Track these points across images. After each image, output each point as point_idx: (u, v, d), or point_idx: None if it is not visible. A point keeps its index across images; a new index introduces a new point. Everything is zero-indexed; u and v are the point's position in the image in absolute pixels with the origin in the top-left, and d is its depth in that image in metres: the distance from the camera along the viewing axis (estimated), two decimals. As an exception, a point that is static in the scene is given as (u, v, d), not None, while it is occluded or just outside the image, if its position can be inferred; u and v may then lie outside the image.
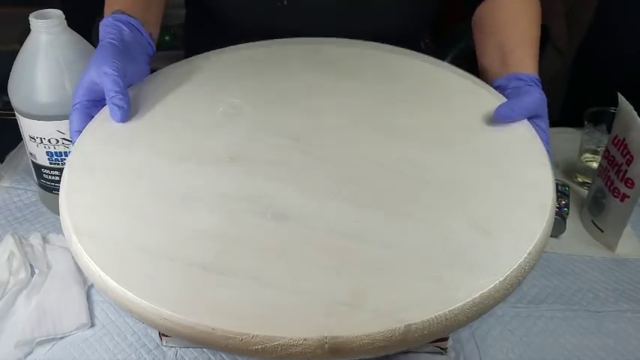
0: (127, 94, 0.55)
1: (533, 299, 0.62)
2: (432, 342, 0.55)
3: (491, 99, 0.59)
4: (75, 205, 0.47)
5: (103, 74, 0.54)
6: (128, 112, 0.55)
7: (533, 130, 0.55)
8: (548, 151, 0.53)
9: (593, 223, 0.70)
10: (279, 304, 0.39)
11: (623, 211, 0.66)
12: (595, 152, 0.79)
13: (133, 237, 0.44)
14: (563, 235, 0.70)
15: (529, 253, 0.43)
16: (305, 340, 0.37)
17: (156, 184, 0.49)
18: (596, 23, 1.13)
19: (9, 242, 0.62)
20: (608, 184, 0.67)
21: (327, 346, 0.37)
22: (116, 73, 0.54)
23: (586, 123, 0.76)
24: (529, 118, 0.56)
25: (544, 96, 0.58)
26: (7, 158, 0.79)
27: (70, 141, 0.62)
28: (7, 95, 0.64)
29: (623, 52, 1.04)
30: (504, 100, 0.58)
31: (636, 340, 0.58)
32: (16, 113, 0.64)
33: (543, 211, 0.46)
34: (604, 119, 0.76)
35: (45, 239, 0.64)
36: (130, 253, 0.43)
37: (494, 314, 0.60)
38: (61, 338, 0.56)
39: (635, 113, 0.64)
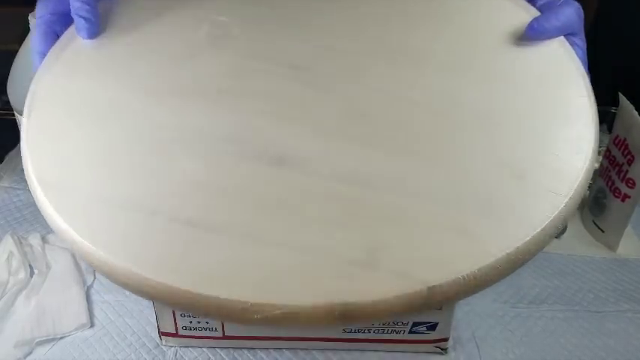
0: (95, 6, 0.47)
1: (533, 299, 0.62)
2: (431, 342, 0.55)
3: (520, 14, 0.49)
4: (39, 151, 0.40)
5: None
6: (97, 27, 0.47)
7: (571, 49, 0.47)
8: (587, 73, 0.47)
9: (594, 224, 0.70)
10: (281, 266, 0.34)
11: (624, 212, 0.66)
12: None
13: (105, 189, 0.38)
14: (564, 235, 0.70)
15: (570, 198, 0.37)
16: (312, 307, 0.32)
17: (130, 125, 0.42)
18: (596, 22, 1.13)
19: (8, 242, 0.62)
20: (609, 184, 0.67)
21: (337, 312, 0.32)
22: None
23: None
24: (565, 36, 0.48)
25: (581, 10, 0.50)
26: (7, 158, 0.79)
27: None
28: (7, 95, 0.64)
29: (623, 52, 1.04)
30: (536, 14, 0.49)
31: (637, 341, 0.58)
32: (16, 113, 0.64)
33: (583, 149, 0.40)
34: (605, 119, 0.76)
35: (44, 239, 0.64)
36: (104, 207, 0.37)
37: (494, 314, 0.60)
38: (61, 338, 0.56)
39: (636, 113, 0.64)
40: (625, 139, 0.65)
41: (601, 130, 0.76)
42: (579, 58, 0.47)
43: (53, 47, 0.47)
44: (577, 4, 0.49)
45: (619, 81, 0.75)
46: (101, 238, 0.36)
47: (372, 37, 0.48)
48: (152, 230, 0.36)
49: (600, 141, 0.77)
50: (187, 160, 0.40)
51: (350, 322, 0.34)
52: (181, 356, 0.55)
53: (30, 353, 0.54)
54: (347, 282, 0.33)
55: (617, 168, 0.66)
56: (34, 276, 0.61)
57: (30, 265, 0.61)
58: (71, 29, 0.48)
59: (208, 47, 0.47)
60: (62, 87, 0.44)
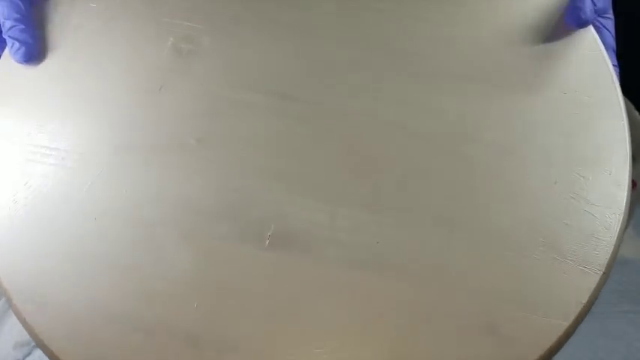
0: (32, 25, 0.39)
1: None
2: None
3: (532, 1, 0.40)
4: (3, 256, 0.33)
5: None
6: (35, 50, 0.38)
7: (599, 44, 0.40)
8: (615, 66, 0.42)
9: (595, 224, 0.70)
10: None
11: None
12: None
13: (75, 299, 0.31)
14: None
15: (604, 273, 0.33)
16: None
17: (90, 201, 0.33)
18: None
19: (7, 243, 0.62)
20: (610, 184, 0.67)
21: None
22: None
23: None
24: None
25: None
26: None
27: None
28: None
29: (624, 51, 1.03)
30: None
31: (638, 342, 0.58)
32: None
33: (617, 203, 0.34)
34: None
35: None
36: (88, 322, 0.31)
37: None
38: (60, 339, 0.56)
39: (637, 113, 0.64)
40: (625, 140, 0.65)
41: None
42: (608, 44, 0.42)
43: None
44: None
45: (619, 80, 0.75)
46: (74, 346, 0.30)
47: (373, 43, 0.38)
48: (145, 348, 0.30)
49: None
50: (176, 250, 0.32)
51: None
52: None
53: (29, 354, 0.54)
54: None
55: (617, 168, 0.66)
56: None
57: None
58: (5, 53, 0.39)
59: (177, 72, 0.37)
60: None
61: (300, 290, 0.31)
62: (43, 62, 0.38)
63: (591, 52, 0.39)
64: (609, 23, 0.44)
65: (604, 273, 0.33)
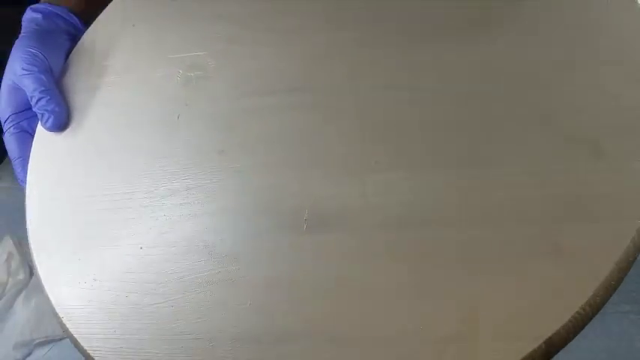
0: (56, 92, 0.42)
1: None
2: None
3: None
4: (59, 292, 0.36)
5: (21, 75, 0.42)
6: (63, 117, 0.41)
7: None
8: None
9: (595, 224, 0.70)
10: None
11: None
12: None
13: (134, 328, 0.34)
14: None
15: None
16: None
17: (135, 235, 0.36)
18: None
19: (8, 243, 0.62)
20: (610, 184, 0.67)
21: None
22: (36, 68, 0.42)
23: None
24: None
25: None
26: (7, 159, 0.79)
27: None
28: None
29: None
30: None
31: (639, 342, 0.58)
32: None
33: None
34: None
35: (44, 240, 0.64)
36: (140, 343, 0.33)
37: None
38: (60, 340, 0.56)
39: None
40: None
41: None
42: None
43: (32, 151, 0.42)
44: None
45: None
46: None
47: (392, 51, 0.38)
48: (207, 354, 0.31)
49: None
50: (224, 254, 0.34)
51: None
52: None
53: (29, 354, 0.54)
54: None
55: (618, 169, 0.66)
56: (33, 277, 0.60)
57: (29, 266, 0.61)
58: (40, 127, 0.42)
59: (190, 98, 0.40)
60: (50, 199, 0.39)
61: (344, 264, 0.31)
62: (75, 124, 0.41)
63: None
64: None
65: None
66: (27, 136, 0.43)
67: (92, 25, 0.46)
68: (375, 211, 0.32)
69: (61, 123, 0.41)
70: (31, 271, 0.61)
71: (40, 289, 0.57)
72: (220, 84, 0.40)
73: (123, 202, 0.37)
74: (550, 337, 0.27)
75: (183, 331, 0.32)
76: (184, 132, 0.38)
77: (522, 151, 0.32)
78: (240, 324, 0.31)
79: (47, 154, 0.41)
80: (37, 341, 0.55)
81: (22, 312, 0.57)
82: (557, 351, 0.28)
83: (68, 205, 0.39)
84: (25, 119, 0.43)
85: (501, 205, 0.30)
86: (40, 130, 0.42)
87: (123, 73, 0.42)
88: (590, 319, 0.29)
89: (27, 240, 0.57)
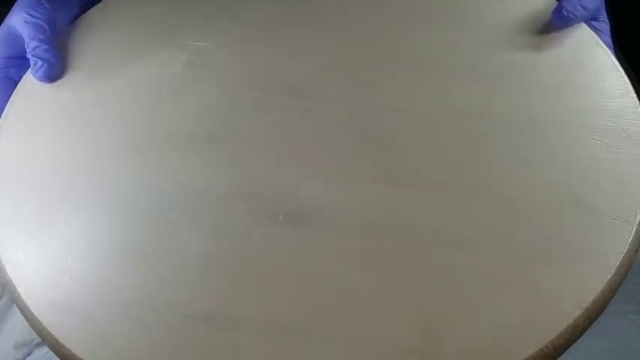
0: (54, 45, 0.42)
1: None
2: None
3: (534, 3, 0.43)
4: (7, 245, 0.33)
5: (23, 19, 0.42)
6: (57, 68, 0.42)
7: (597, 39, 0.42)
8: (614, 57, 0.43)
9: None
10: None
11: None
12: None
13: (87, 281, 0.31)
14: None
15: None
16: None
17: (105, 191, 0.34)
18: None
19: (7, 243, 0.62)
20: (610, 184, 0.67)
21: None
22: (40, 16, 0.42)
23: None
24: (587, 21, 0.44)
25: None
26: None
27: None
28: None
29: (622, 50, 1.03)
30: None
31: (638, 342, 0.58)
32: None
33: None
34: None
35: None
36: (87, 308, 0.30)
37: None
38: (60, 339, 0.56)
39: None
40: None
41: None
42: (605, 43, 0.43)
43: (12, 97, 0.41)
44: None
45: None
46: (92, 346, 0.29)
47: (373, 46, 0.41)
48: (161, 331, 0.29)
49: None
50: (189, 234, 0.32)
51: None
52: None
53: (29, 354, 0.54)
54: None
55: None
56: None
57: (29, 266, 0.61)
58: (28, 74, 0.42)
59: (189, 80, 0.40)
60: (19, 150, 0.37)
61: (317, 260, 0.31)
62: (64, 80, 0.41)
63: (587, 42, 0.41)
64: (604, 26, 0.45)
65: None
66: (10, 83, 0.42)
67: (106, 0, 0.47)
68: (354, 216, 0.32)
69: (53, 74, 0.41)
70: (31, 270, 0.61)
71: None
72: (222, 74, 0.40)
73: (93, 166, 0.36)
74: None
75: (135, 300, 0.30)
76: (175, 110, 0.38)
77: (509, 190, 0.33)
78: (194, 302, 0.30)
79: (27, 103, 0.41)
80: (37, 341, 0.54)
81: (22, 312, 0.57)
82: None
83: (37, 159, 0.37)
84: (14, 66, 0.43)
85: (482, 231, 0.31)
86: (26, 79, 0.42)
87: (125, 46, 0.43)
88: (554, 357, 0.28)
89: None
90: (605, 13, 0.46)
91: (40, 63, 0.41)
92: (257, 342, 0.28)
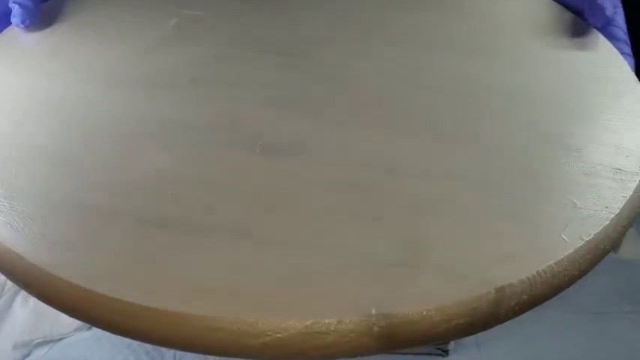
0: None
1: (534, 301, 0.62)
2: (432, 344, 0.55)
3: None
4: None
5: None
6: (33, 15, 0.42)
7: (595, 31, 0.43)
8: (628, 55, 0.43)
9: (595, 224, 0.70)
10: (292, 272, 0.25)
11: (625, 212, 0.66)
12: None
13: (56, 190, 0.30)
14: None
15: None
16: (340, 322, 0.23)
17: (85, 119, 0.35)
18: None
19: (7, 243, 0.62)
20: (610, 184, 0.67)
21: (376, 329, 0.23)
22: None
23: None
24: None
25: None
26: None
27: None
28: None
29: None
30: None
31: (638, 342, 0.58)
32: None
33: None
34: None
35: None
36: (53, 212, 0.29)
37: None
38: (59, 340, 0.55)
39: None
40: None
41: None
42: (620, 38, 0.44)
43: None
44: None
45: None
46: (52, 253, 0.27)
47: (371, 24, 0.42)
48: (116, 236, 0.27)
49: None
50: (157, 153, 0.32)
51: (394, 344, 0.23)
52: (180, 358, 0.55)
53: (28, 355, 0.54)
54: (386, 288, 0.24)
55: (618, 169, 0.66)
56: (32, 277, 0.60)
57: (28, 266, 0.61)
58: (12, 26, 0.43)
59: (177, 39, 0.41)
60: (7, 82, 0.38)
61: (294, 184, 0.30)
62: (50, 30, 0.42)
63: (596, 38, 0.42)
64: (618, 18, 0.45)
65: None
66: None
67: None
68: (338, 152, 0.32)
69: (28, 19, 0.42)
70: (30, 271, 0.61)
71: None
72: (210, 36, 0.41)
73: (73, 99, 0.36)
74: (502, 287, 0.25)
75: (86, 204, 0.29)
76: (160, 59, 0.39)
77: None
78: (154, 209, 0.29)
79: (9, 48, 0.41)
80: (36, 341, 0.54)
81: (21, 312, 0.57)
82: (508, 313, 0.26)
83: (18, 90, 0.37)
84: None
85: (474, 170, 0.31)
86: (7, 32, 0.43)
87: (116, 6, 0.45)
88: (553, 287, 0.27)
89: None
90: (620, 3, 0.46)
91: (16, 7, 0.41)
92: (223, 249, 0.26)
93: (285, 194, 0.29)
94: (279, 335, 0.23)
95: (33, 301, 0.58)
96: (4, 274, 0.29)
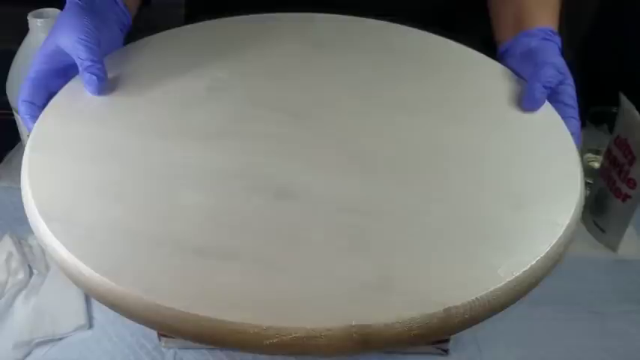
0: (103, 64, 0.49)
1: (534, 300, 0.61)
2: (432, 343, 0.55)
3: (499, 71, 0.55)
4: (41, 187, 0.41)
5: (76, 41, 0.49)
6: (105, 84, 0.49)
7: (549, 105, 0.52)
8: (575, 119, 0.51)
9: (595, 224, 0.70)
10: (294, 290, 0.34)
11: (625, 212, 0.66)
12: (597, 152, 0.78)
13: (111, 221, 0.38)
14: (565, 235, 0.69)
15: (568, 226, 0.39)
16: (329, 330, 0.32)
17: (133, 163, 0.43)
18: (597, 23, 1.13)
19: (7, 243, 0.62)
20: (610, 184, 0.67)
21: (355, 335, 0.32)
22: (90, 40, 0.49)
23: (588, 123, 0.76)
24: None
25: (560, 56, 0.54)
26: (6, 158, 0.79)
27: None
28: (5, 95, 0.64)
29: (624, 52, 1.03)
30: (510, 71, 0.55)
31: (638, 342, 0.58)
32: (15, 112, 0.64)
33: (573, 180, 0.43)
34: (606, 119, 0.76)
35: (44, 240, 0.64)
36: (109, 238, 0.37)
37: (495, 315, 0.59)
38: (60, 339, 0.55)
39: (637, 113, 0.63)
40: (626, 140, 0.64)
41: (602, 130, 0.75)
42: (569, 105, 0.51)
43: (53, 99, 0.49)
44: (556, 47, 0.55)
45: (620, 80, 0.75)
46: (110, 269, 0.35)
47: (366, 90, 0.52)
48: (160, 259, 0.36)
49: (601, 141, 0.78)
50: (193, 193, 0.40)
51: (368, 347, 0.33)
52: (181, 358, 0.55)
53: (29, 354, 0.54)
54: (363, 305, 0.33)
55: (618, 168, 0.66)
56: (33, 276, 0.60)
57: (29, 266, 0.61)
58: (71, 84, 0.50)
59: (207, 97, 0.50)
60: (65, 130, 0.46)
61: (297, 222, 0.39)
62: (110, 92, 0.50)
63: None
64: (569, 88, 0.53)
65: None
66: (44, 90, 0.49)
67: (154, 36, 0.58)
68: (331, 198, 0.41)
69: (102, 88, 0.49)
70: (30, 270, 0.61)
71: (39, 288, 0.57)
72: (234, 95, 0.50)
73: (126, 146, 0.44)
74: (449, 307, 0.33)
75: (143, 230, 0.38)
76: (194, 115, 0.48)
77: None
78: (191, 239, 0.37)
79: (71, 104, 0.49)
80: (37, 341, 0.54)
81: (21, 312, 0.57)
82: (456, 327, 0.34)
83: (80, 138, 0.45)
84: (52, 77, 0.50)
85: (439, 215, 0.40)
86: (69, 88, 0.50)
87: (159, 68, 0.53)
88: (488, 309, 0.35)
89: (27, 239, 0.58)
90: (570, 80, 0.53)
91: (94, 79, 0.48)
92: (244, 271, 0.35)
93: (291, 230, 0.38)
94: (284, 337, 0.32)
95: (34, 300, 0.58)
96: (75, 282, 0.37)
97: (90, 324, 0.57)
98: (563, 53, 0.55)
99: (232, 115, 0.48)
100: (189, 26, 0.60)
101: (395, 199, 0.40)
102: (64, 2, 0.52)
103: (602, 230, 0.69)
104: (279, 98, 0.50)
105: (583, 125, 0.76)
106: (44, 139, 0.45)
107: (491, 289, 0.34)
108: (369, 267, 0.35)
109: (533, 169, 0.44)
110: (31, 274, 0.61)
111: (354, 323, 0.32)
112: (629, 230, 0.69)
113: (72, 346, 0.55)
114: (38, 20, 0.60)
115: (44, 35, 0.60)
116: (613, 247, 0.68)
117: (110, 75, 0.51)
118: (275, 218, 0.39)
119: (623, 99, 0.66)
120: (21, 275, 0.60)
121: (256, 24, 0.60)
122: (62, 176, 0.42)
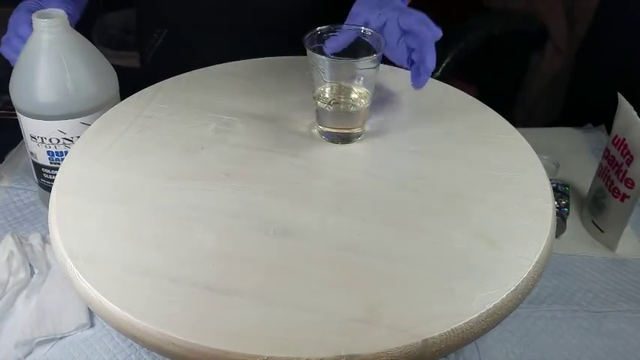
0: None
1: (533, 299, 0.62)
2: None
3: (459, 96, 0.62)
4: (67, 227, 0.45)
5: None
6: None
7: (520, 137, 0.56)
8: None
9: (594, 223, 0.70)
10: (291, 324, 0.39)
11: (623, 211, 0.66)
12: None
13: (130, 259, 0.43)
14: (564, 235, 0.70)
15: (537, 262, 0.43)
16: (321, 359, 0.36)
17: (150, 205, 0.48)
18: (596, 23, 1.13)
19: (9, 242, 0.62)
20: (608, 184, 0.67)
21: None
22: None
23: (587, 123, 0.76)
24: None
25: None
26: (7, 158, 0.79)
27: (71, 140, 0.61)
28: (7, 95, 0.64)
29: (623, 52, 1.03)
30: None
31: (636, 341, 0.58)
32: (17, 112, 0.64)
33: (544, 217, 0.47)
34: (604, 119, 0.76)
35: (45, 239, 0.64)
36: (129, 276, 0.42)
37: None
38: (61, 338, 0.56)
39: (635, 113, 0.64)
40: (624, 139, 0.65)
41: (600, 130, 0.76)
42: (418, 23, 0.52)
43: (77, 141, 0.55)
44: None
45: (618, 81, 0.75)
46: (131, 304, 0.39)
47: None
48: (175, 295, 0.40)
49: (599, 141, 0.78)
50: (203, 233, 0.45)
51: None
52: (181, 356, 0.55)
53: (30, 353, 0.54)
54: (352, 336, 0.37)
55: (616, 168, 0.66)
56: (34, 276, 0.61)
57: (30, 265, 0.61)
58: (91, 129, 0.57)
59: (215, 140, 0.55)
60: (86, 174, 0.51)
61: (294, 260, 0.43)
62: (120, 132, 0.56)
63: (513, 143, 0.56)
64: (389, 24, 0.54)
65: None
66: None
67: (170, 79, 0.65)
68: (326, 236, 0.45)
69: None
70: (32, 270, 0.61)
71: (40, 288, 0.57)
72: (240, 137, 0.56)
73: (140, 188, 0.50)
74: (427, 338, 0.37)
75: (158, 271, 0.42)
76: (202, 157, 0.53)
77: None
78: (202, 276, 0.42)
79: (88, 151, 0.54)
80: (38, 340, 0.55)
81: (23, 311, 0.57)
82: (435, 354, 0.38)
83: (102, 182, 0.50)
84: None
85: (421, 253, 0.44)
86: (87, 134, 0.56)
87: (170, 114, 0.59)
88: (463, 338, 0.39)
89: (27, 239, 0.58)
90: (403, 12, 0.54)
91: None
92: (246, 306, 0.40)
93: (290, 267, 0.43)
94: None
95: (35, 300, 0.58)
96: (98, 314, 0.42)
97: (91, 323, 0.57)
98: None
99: (235, 156, 0.53)
100: (180, 76, 0.65)
101: (383, 236, 0.45)
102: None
103: (601, 230, 0.69)
104: (277, 140, 0.56)
105: (583, 125, 0.77)
106: (68, 181, 0.50)
107: (466, 320, 0.38)
108: (358, 301, 0.40)
109: (507, 208, 0.48)
110: (32, 273, 0.61)
111: (343, 353, 0.36)
112: (627, 230, 0.69)
113: (73, 345, 0.55)
114: (42, 20, 0.60)
115: (48, 35, 0.60)
116: (611, 247, 0.68)
117: (125, 120, 0.57)
118: (273, 256, 0.43)
119: (622, 99, 0.66)
120: (22, 274, 0.60)
121: (246, 66, 0.67)
122: (85, 217, 0.47)
